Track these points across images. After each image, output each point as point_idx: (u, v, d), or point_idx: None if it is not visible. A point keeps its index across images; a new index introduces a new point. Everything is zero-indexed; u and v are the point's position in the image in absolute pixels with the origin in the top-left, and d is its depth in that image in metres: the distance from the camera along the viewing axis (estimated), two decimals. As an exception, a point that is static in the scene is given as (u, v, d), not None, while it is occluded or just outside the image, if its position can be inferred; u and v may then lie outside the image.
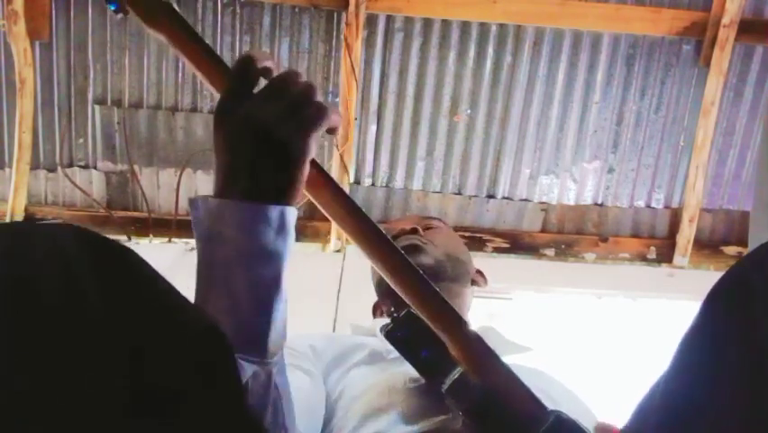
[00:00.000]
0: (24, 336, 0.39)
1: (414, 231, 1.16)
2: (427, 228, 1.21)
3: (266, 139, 0.62)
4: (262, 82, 0.67)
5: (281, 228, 0.63)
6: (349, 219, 0.67)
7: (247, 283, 0.61)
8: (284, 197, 0.63)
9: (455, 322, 0.66)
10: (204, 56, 0.67)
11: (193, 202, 0.64)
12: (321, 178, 0.67)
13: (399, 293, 0.67)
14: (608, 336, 2.72)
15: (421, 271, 0.67)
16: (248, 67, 0.65)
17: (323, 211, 0.68)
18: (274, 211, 0.62)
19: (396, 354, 0.68)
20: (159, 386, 0.43)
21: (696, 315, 0.52)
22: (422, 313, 0.66)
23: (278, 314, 0.63)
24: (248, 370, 0.60)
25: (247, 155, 0.62)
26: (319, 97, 0.65)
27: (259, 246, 0.62)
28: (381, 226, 1.00)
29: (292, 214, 0.64)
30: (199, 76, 0.68)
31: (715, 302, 0.51)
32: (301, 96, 0.64)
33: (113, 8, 0.67)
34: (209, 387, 0.45)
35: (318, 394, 0.89)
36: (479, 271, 1.25)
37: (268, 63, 0.66)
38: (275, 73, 0.66)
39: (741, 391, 0.47)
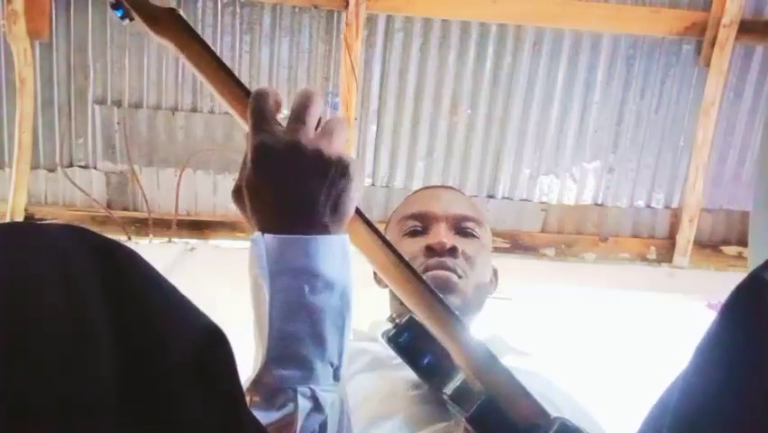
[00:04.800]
0: (22, 337, 0.39)
1: (453, 251, 0.99)
2: (466, 235, 1.04)
3: (323, 171, 0.64)
4: None
5: (344, 257, 0.65)
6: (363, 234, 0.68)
7: (324, 314, 0.63)
8: (341, 226, 0.65)
9: (457, 328, 0.66)
10: (209, 62, 0.68)
11: (255, 240, 0.64)
12: None
13: (402, 300, 0.67)
14: (607, 336, 2.72)
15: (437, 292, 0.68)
16: (267, 99, 0.65)
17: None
18: (337, 241, 0.64)
19: (398, 360, 0.68)
20: (155, 387, 0.42)
21: (712, 323, 0.51)
22: (424, 320, 0.66)
23: (348, 338, 0.65)
24: (328, 401, 0.62)
25: (307, 187, 0.64)
26: None
27: (329, 277, 0.63)
28: (400, 214, 1.06)
29: (348, 241, 0.66)
30: (202, 79, 0.69)
31: (730, 308, 0.50)
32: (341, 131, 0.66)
33: (119, 14, 0.67)
34: (207, 389, 0.45)
35: None
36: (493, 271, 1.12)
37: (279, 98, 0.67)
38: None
39: (758, 394, 0.46)
